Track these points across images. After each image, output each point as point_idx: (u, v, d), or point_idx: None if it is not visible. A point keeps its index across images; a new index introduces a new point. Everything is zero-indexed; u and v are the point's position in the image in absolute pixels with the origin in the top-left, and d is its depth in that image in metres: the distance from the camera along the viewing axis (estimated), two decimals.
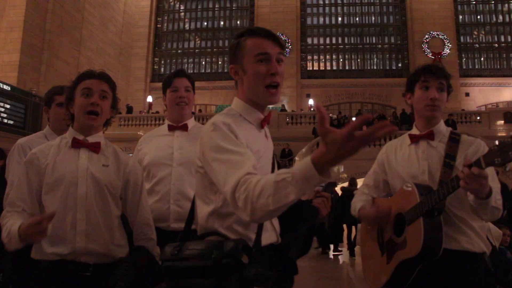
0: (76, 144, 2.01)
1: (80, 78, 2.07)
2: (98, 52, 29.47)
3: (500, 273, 4.77)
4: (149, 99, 30.06)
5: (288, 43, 32.48)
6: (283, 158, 19.39)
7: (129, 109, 26.12)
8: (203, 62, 35.15)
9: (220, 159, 1.50)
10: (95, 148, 2.05)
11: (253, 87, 1.68)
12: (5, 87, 20.04)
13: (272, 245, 1.67)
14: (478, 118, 21.63)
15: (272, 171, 1.71)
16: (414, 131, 2.26)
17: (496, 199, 1.84)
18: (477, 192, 1.75)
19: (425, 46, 31.73)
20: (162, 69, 35.52)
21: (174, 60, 35.51)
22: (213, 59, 35.04)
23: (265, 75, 1.65)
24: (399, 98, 31.56)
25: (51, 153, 1.97)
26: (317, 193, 1.83)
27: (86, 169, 1.98)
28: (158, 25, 35.80)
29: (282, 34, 32.47)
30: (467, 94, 31.46)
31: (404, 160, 2.21)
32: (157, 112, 26.86)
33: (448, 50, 31.55)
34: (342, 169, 18.81)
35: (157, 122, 22.00)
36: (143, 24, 34.87)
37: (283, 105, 28.39)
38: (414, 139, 2.22)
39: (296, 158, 17.98)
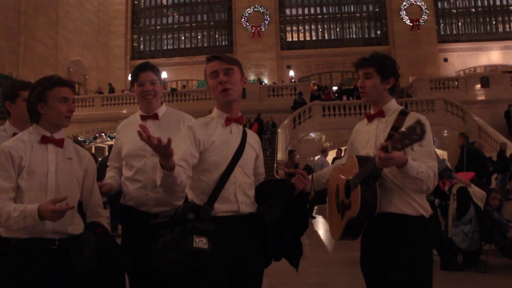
0: (45, 140, 2.32)
1: (54, 84, 2.33)
2: (75, 32, 29.14)
3: (485, 231, 5.24)
4: (130, 77, 29.96)
5: (266, 15, 32.43)
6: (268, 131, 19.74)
7: (111, 89, 26.07)
8: (182, 38, 34.96)
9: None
10: (60, 143, 2.36)
11: (214, 95, 2.34)
12: None
13: (237, 216, 2.21)
14: (456, 83, 21.89)
15: (235, 156, 2.26)
16: (369, 112, 2.59)
17: (419, 171, 2.11)
18: (392, 166, 2.11)
19: (403, 13, 31.90)
20: (142, 46, 35.26)
21: (153, 37, 35.23)
22: (192, 34, 34.86)
23: (217, 85, 2.29)
24: None
25: (25, 149, 2.26)
26: (296, 172, 2.34)
27: (55, 162, 2.30)
28: (135, 2, 35.35)
29: (260, 6, 32.41)
30: (445, 60, 31.92)
31: (361, 137, 2.56)
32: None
33: (426, 17, 31.80)
34: (324, 136, 19.24)
35: None
36: (120, 1, 34.37)
37: (259, 79, 28.53)
38: (369, 118, 2.55)
39: (279, 130, 18.29)
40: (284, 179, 2.43)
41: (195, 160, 2.21)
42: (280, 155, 16.66)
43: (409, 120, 2.30)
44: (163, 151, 1.88)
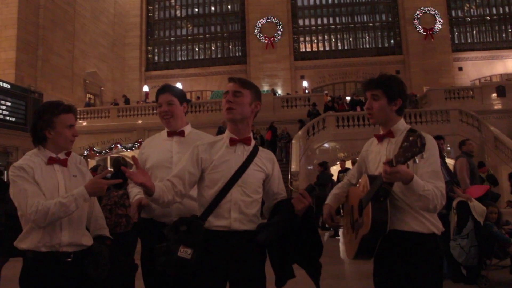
0: (52, 161, 2.53)
1: (62, 112, 2.55)
2: (91, 44, 29.60)
3: (484, 246, 5.19)
4: (145, 88, 30.28)
5: (279, 25, 32.63)
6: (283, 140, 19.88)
7: (126, 100, 26.38)
8: (196, 49, 35.29)
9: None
10: (64, 163, 2.58)
11: (223, 114, 2.54)
12: (5, 85, 20.29)
13: (229, 232, 2.37)
14: (471, 93, 21.53)
15: (234, 176, 2.40)
16: (379, 131, 2.63)
17: (425, 189, 2.18)
18: (397, 181, 2.20)
19: (416, 22, 31.84)
20: (156, 58, 35.67)
21: (167, 48, 35.65)
22: (206, 45, 35.19)
23: (225, 104, 2.49)
24: None
25: (35, 168, 2.46)
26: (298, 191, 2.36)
27: (64, 182, 2.52)
28: (149, 14, 35.84)
29: (273, 17, 32.61)
30: (460, 69, 31.69)
31: (373, 157, 2.61)
32: (154, 101, 27.09)
33: (439, 26, 31.68)
34: (338, 146, 19.24)
35: (154, 111, 21.97)
36: (134, 14, 34.91)
37: (273, 89, 28.64)
38: (379, 139, 2.60)
39: (293, 141, 18.33)
40: (285, 199, 2.55)
41: (193, 177, 2.45)
42: (295, 166, 16.69)
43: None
44: (139, 185, 2.24)
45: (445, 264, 5.58)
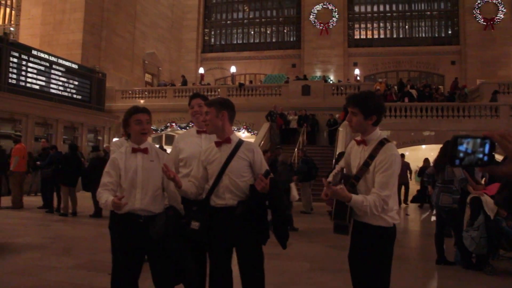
0: (134, 150, 3.39)
1: (132, 112, 3.42)
2: (151, 25, 30.92)
3: (493, 238, 5.73)
4: (201, 70, 31.30)
5: (335, 12, 32.68)
6: (329, 128, 20.46)
7: (185, 81, 27.49)
8: (252, 32, 35.94)
9: None
10: (145, 151, 3.41)
11: None
12: (73, 65, 21.93)
13: (226, 207, 3.23)
14: None
15: (222, 168, 3.26)
16: (358, 137, 3.08)
17: (364, 205, 2.67)
18: (341, 199, 2.77)
19: (476, 12, 31.02)
20: (213, 40, 36.61)
21: (223, 31, 36.47)
22: (262, 29, 35.75)
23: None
24: (447, 66, 31.19)
25: (123, 158, 3.37)
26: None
27: (142, 165, 3.36)
28: None
29: (329, 3, 32.67)
30: None
31: (354, 157, 3.08)
32: (208, 84, 28.12)
33: (502, 16, 30.71)
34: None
35: (208, 93, 22.76)
36: None
37: (324, 76, 28.75)
38: (358, 143, 3.04)
39: (340, 129, 18.75)
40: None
41: (202, 174, 3.35)
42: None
43: (382, 152, 2.86)
44: (171, 179, 3.12)
45: (457, 252, 6.16)
